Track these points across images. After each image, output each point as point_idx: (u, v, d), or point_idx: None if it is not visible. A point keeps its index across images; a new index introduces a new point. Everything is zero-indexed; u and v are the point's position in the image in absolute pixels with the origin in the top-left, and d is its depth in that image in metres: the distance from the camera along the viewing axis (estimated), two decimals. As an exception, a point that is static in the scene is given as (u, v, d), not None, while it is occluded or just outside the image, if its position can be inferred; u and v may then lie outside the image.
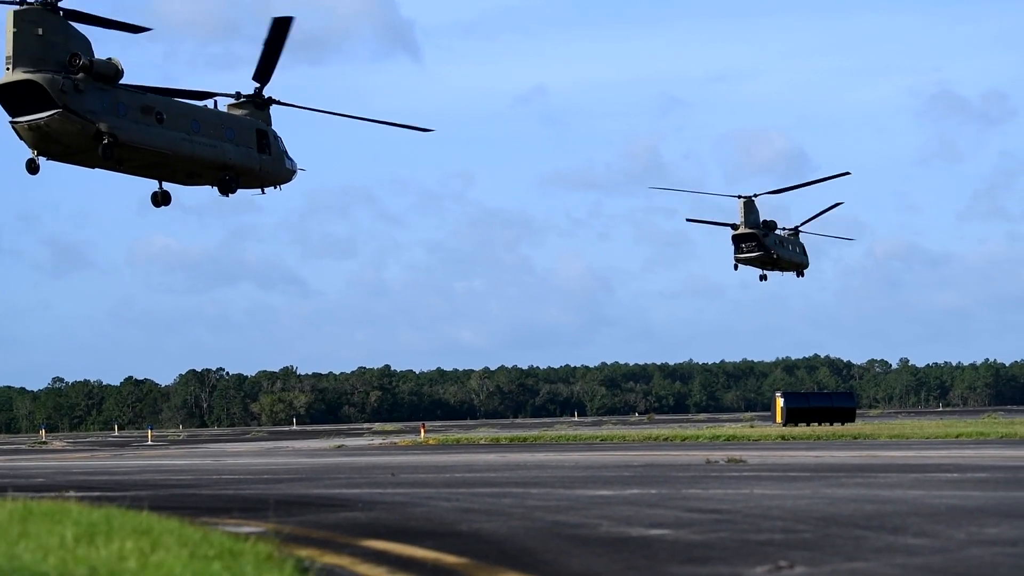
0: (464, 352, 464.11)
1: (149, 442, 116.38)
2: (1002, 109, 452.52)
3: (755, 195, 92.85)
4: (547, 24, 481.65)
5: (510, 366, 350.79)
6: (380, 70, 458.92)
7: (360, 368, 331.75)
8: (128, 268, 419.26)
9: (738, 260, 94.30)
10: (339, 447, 79.08)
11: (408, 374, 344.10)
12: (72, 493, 27.23)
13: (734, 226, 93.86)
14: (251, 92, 49.20)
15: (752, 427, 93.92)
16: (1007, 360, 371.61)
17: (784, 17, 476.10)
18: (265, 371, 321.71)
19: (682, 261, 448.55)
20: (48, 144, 41.80)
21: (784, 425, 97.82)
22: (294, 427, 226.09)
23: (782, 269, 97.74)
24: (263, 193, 50.02)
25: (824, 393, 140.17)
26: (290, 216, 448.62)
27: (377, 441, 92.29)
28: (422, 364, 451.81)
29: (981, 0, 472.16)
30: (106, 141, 42.10)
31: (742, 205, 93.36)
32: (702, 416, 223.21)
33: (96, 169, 44.38)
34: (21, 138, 41.50)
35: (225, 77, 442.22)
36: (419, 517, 22.15)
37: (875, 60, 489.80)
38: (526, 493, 27.39)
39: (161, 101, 44.96)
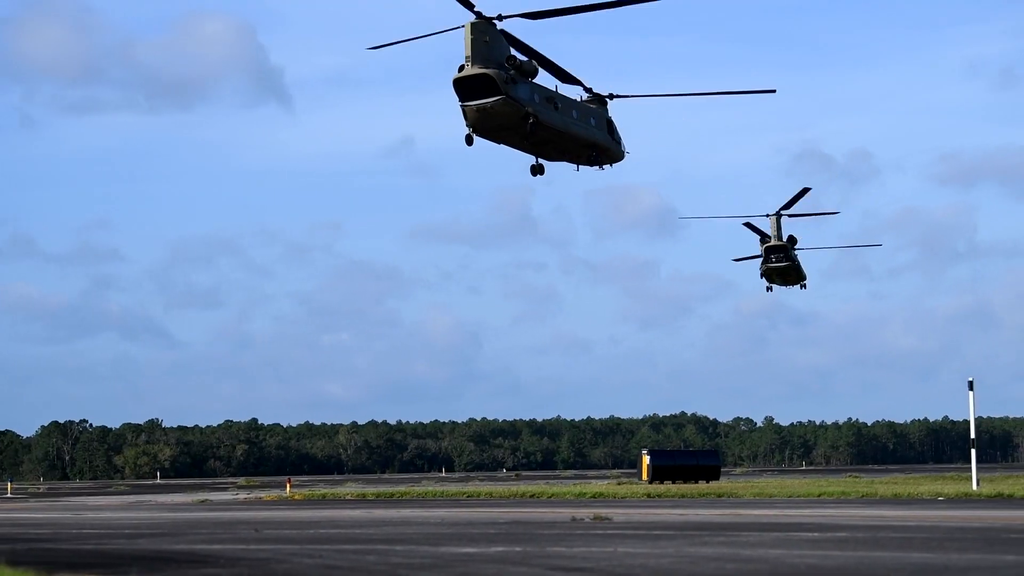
0: (332, 406, 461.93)
1: (8, 495, 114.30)
2: (867, 168, 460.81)
3: (780, 213, 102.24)
4: (416, 77, 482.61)
5: (379, 421, 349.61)
6: (249, 118, 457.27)
7: (226, 421, 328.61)
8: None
9: (767, 268, 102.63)
10: (203, 501, 78.24)
11: (275, 428, 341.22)
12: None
13: (764, 238, 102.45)
14: (591, 91, 61.13)
15: (619, 484, 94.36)
16: (869, 420, 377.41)
17: (652, 75, 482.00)
18: (129, 423, 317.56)
19: (551, 316, 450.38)
20: (487, 122, 53.30)
21: (650, 483, 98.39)
22: (158, 481, 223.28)
23: (791, 282, 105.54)
24: (602, 169, 61.76)
25: (689, 451, 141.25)
26: (154, 266, 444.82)
27: (242, 496, 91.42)
28: (289, 418, 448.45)
29: (848, 61, 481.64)
30: (531, 120, 54.31)
31: (775, 220, 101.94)
32: (569, 473, 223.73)
33: (500, 145, 55.82)
34: (466, 118, 52.96)
35: (88, 121, 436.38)
36: (281, 574, 22.00)
37: (743, 119, 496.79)
38: (390, 550, 27.31)
39: (554, 93, 57.14)
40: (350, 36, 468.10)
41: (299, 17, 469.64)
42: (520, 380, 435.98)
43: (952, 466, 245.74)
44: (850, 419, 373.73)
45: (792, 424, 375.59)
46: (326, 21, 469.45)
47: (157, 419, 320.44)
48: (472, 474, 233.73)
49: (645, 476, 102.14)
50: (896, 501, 60.04)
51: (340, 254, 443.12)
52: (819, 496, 66.54)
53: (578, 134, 58.46)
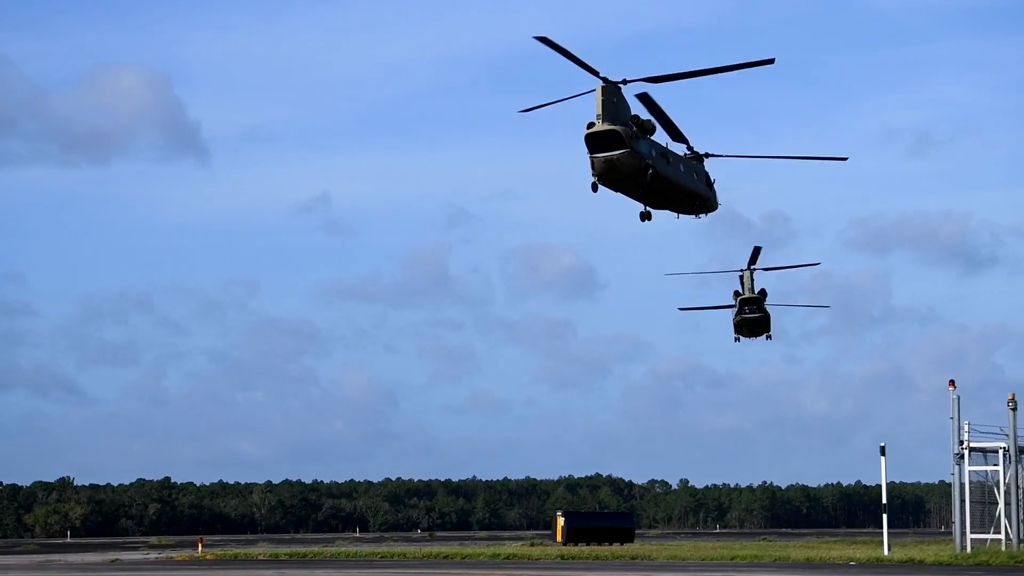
0: (246, 465, 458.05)
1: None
2: (784, 231, 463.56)
3: (753, 268, 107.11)
4: (332, 135, 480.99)
5: (293, 480, 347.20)
6: (164, 173, 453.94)
7: (139, 480, 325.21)
8: None
9: (742, 320, 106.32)
10: (113, 561, 77.56)
11: (188, 486, 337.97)
12: None
13: (737, 293, 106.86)
14: (692, 149, 66.42)
15: (532, 546, 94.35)
16: (783, 483, 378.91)
17: (564, 136, 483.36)
18: (40, 481, 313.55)
19: (467, 376, 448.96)
20: (612, 172, 58.87)
21: (565, 544, 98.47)
22: (68, 540, 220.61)
23: (758, 334, 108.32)
24: (698, 218, 67.49)
25: (604, 513, 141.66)
26: (65, 321, 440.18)
27: (153, 556, 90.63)
28: (203, 476, 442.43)
29: (764, 125, 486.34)
30: (651, 172, 59.93)
31: (749, 274, 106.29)
32: (484, 534, 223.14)
33: (617, 193, 61.14)
34: (594, 168, 58.56)
35: None
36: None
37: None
38: (302, 612, 27.25)
39: (667, 149, 62.42)
40: (267, 92, 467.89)
41: (216, 72, 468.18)
42: (435, 440, 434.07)
43: (864, 531, 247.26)
44: (764, 482, 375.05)
45: (707, 487, 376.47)
46: (243, 76, 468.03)
47: (68, 477, 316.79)
48: (386, 534, 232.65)
49: (560, 538, 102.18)
50: (808, 565, 60.48)
51: (255, 311, 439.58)
52: (732, 560, 66.86)
53: (686, 185, 64.49)
